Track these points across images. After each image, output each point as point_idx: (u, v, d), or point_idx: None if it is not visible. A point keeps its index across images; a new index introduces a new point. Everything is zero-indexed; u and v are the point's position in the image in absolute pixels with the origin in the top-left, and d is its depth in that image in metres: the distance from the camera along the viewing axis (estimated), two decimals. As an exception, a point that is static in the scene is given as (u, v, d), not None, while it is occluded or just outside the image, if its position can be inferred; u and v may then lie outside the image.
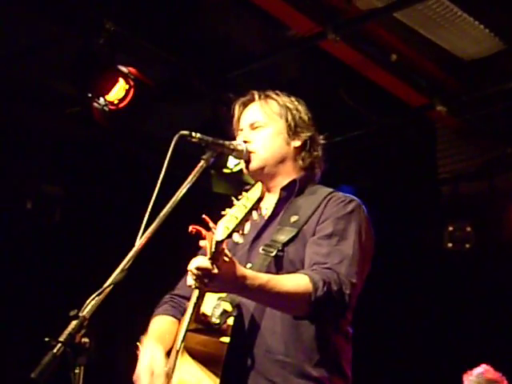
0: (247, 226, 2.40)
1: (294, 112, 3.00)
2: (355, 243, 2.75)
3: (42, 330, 2.17)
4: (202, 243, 2.41)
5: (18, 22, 5.14)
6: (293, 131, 2.97)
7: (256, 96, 3.04)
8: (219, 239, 2.32)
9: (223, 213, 2.42)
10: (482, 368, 5.14)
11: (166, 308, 2.98)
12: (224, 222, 2.36)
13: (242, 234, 2.40)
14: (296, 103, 3.04)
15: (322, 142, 3.05)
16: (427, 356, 7.25)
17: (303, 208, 2.86)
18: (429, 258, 7.21)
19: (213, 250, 2.32)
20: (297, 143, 2.98)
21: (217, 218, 2.42)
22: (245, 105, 3.05)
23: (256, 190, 2.44)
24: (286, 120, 2.97)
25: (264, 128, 2.96)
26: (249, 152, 2.90)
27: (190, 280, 2.42)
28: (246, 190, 2.49)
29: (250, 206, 2.39)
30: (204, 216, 2.40)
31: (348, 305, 2.63)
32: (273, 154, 2.94)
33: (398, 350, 7.19)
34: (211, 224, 2.38)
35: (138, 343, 2.78)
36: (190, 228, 2.39)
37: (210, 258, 2.34)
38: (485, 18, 5.25)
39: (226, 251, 2.37)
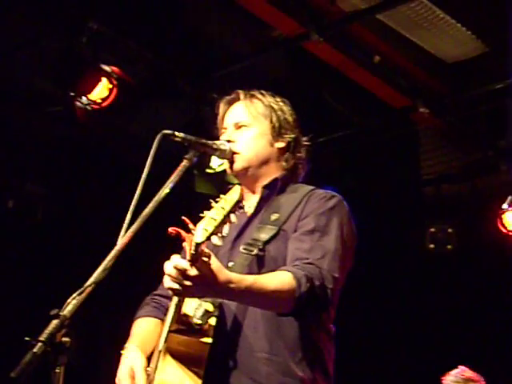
0: (225, 229, 2.39)
1: (279, 113, 3.00)
2: (337, 238, 2.76)
3: (23, 330, 2.16)
4: (183, 244, 2.39)
5: (0, 21, 5.11)
6: (277, 132, 2.97)
7: (241, 95, 3.03)
8: (198, 241, 2.31)
9: (202, 215, 2.41)
10: (459, 368, 5.21)
11: (148, 309, 2.98)
12: (203, 225, 2.36)
13: (221, 236, 2.39)
14: (281, 104, 3.04)
15: (306, 143, 3.05)
16: (407, 357, 7.27)
17: (284, 206, 2.86)
18: (410, 259, 7.24)
19: (192, 251, 2.32)
20: (280, 144, 2.98)
21: (199, 218, 2.41)
22: (229, 103, 3.05)
23: (234, 193, 2.45)
24: (271, 121, 2.97)
25: (248, 128, 2.96)
26: (233, 152, 2.90)
27: (167, 282, 2.39)
28: (225, 193, 2.49)
29: (228, 208, 2.39)
30: (183, 217, 2.39)
31: (331, 299, 2.64)
32: (257, 155, 2.93)
33: (378, 349, 7.21)
34: (191, 226, 2.37)
35: (121, 351, 2.78)
36: (170, 230, 2.38)
37: (189, 260, 2.33)
38: (467, 21, 5.28)
39: (206, 251, 2.35)
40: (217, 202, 2.44)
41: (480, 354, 6.22)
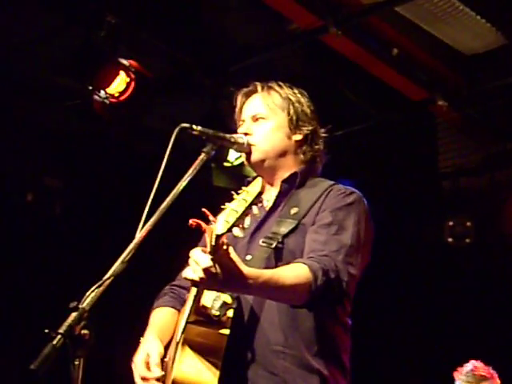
0: (247, 221, 2.39)
1: (297, 105, 2.99)
2: (354, 234, 2.75)
3: (43, 322, 2.17)
4: (205, 235, 2.39)
5: (18, 15, 5.14)
6: (294, 125, 2.96)
7: (259, 87, 3.02)
8: (219, 233, 2.32)
9: (223, 207, 2.42)
10: (471, 365, 5.09)
11: (166, 299, 2.98)
12: (224, 216, 2.36)
13: (243, 227, 2.39)
14: (299, 96, 3.02)
15: (324, 135, 3.04)
16: (426, 350, 7.25)
17: (303, 200, 2.86)
18: (429, 253, 7.22)
19: (213, 243, 2.32)
20: (298, 137, 2.97)
21: (217, 211, 2.41)
22: (247, 96, 3.04)
23: (256, 185, 2.44)
24: (288, 113, 2.96)
25: (266, 121, 2.95)
26: (250, 144, 2.89)
27: (188, 273, 2.40)
28: (246, 185, 2.49)
29: (250, 200, 2.39)
30: (204, 209, 2.39)
31: (345, 292, 2.64)
32: (273, 148, 2.93)
33: (397, 343, 7.20)
34: (211, 217, 2.37)
35: (139, 340, 2.79)
36: (190, 221, 2.39)
37: (209, 252, 2.34)
38: (486, 13, 5.24)
39: (227, 245, 2.36)
40: (238, 193, 2.44)
41: (497, 348, 6.19)
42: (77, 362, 2.10)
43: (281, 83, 3.04)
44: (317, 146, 3.00)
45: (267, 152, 2.92)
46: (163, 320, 2.89)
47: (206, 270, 2.33)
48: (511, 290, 6.83)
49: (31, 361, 2.02)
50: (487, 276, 6.99)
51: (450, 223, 6.93)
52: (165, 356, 2.71)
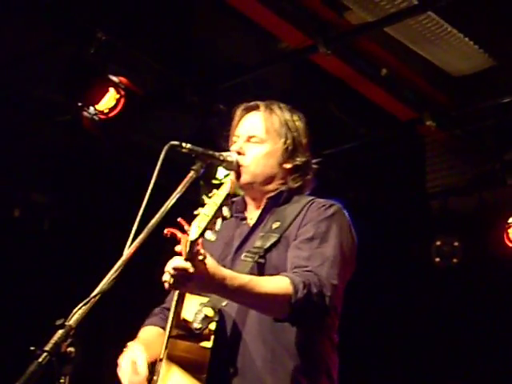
0: (219, 223, 2.42)
1: (295, 134, 2.97)
2: (336, 245, 2.76)
3: (29, 339, 2.16)
4: (177, 248, 2.43)
5: (8, 30, 5.14)
6: (288, 155, 2.95)
7: (262, 107, 3.00)
8: (192, 239, 2.34)
9: (196, 213, 2.44)
10: None
11: (155, 320, 2.99)
12: (197, 222, 2.39)
13: (214, 230, 2.42)
14: (297, 123, 3.01)
15: (315, 166, 3.04)
16: (411, 370, 7.24)
17: (286, 215, 2.87)
18: (416, 273, 7.22)
19: (187, 250, 2.34)
20: (289, 166, 2.96)
21: (192, 219, 2.45)
22: (247, 111, 3.03)
23: (224, 187, 2.48)
24: (285, 142, 2.95)
25: (260, 144, 2.94)
26: (240, 165, 2.89)
27: (165, 277, 2.42)
28: (217, 189, 2.52)
29: (219, 202, 2.43)
30: (179, 219, 2.42)
31: (329, 306, 2.64)
32: (263, 172, 2.93)
33: (382, 363, 7.19)
34: (186, 227, 2.40)
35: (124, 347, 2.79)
36: (166, 231, 2.41)
37: (185, 259, 2.36)
38: (474, 35, 5.28)
39: (202, 250, 2.39)
40: (210, 197, 2.47)
41: (485, 369, 6.20)
42: (62, 381, 2.09)
43: (282, 105, 3.03)
44: (307, 177, 3.00)
45: (256, 176, 2.92)
46: (150, 336, 2.90)
47: (180, 270, 2.36)
48: (499, 310, 6.84)
49: (17, 378, 2.00)
50: (474, 296, 6.99)
51: (438, 243, 6.94)
52: (153, 373, 2.70)
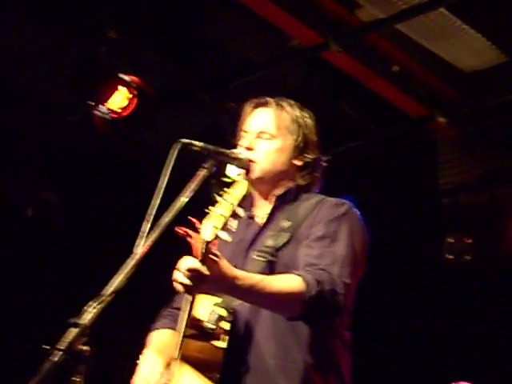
0: (234, 224, 2.41)
1: (305, 131, 2.98)
2: (347, 245, 2.76)
3: (42, 338, 2.17)
4: (191, 241, 2.40)
5: (19, 30, 5.15)
6: (299, 151, 2.96)
7: (273, 103, 3.00)
8: (208, 239, 2.33)
9: (207, 211, 2.42)
10: None
11: (164, 322, 2.97)
12: (210, 221, 2.37)
13: (231, 231, 2.41)
14: (307, 120, 3.01)
15: (324, 164, 3.04)
16: (425, 367, 7.23)
17: (296, 214, 2.87)
18: (428, 270, 7.20)
19: (203, 250, 2.33)
20: (299, 163, 2.97)
21: (202, 216, 2.43)
22: (256, 107, 3.02)
23: (241, 187, 2.46)
24: (296, 139, 2.95)
25: (271, 140, 2.94)
26: (250, 160, 2.89)
27: (179, 277, 2.40)
28: (228, 187, 2.50)
29: (235, 203, 2.40)
30: (190, 218, 2.41)
31: (342, 305, 2.63)
32: (274, 169, 2.92)
33: (395, 359, 7.17)
34: (198, 225, 2.38)
35: (138, 360, 2.78)
36: (177, 229, 2.40)
37: (200, 260, 2.34)
38: (486, 30, 5.26)
39: (216, 251, 2.38)
40: (221, 196, 2.45)
41: (497, 366, 6.17)
42: (76, 379, 2.10)
43: (291, 102, 3.03)
44: (316, 174, 3.00)
45: (267, 172, 2.91)
46: (162, 340, 2.88)
47: (195, 271, 2.34)
48: (510, 307, 6.82)
49: (31, 377, 2.01)
50: (487, 293, 6.97)
51: (450, 240, 6.92)
52: (167, 372, 2.69)
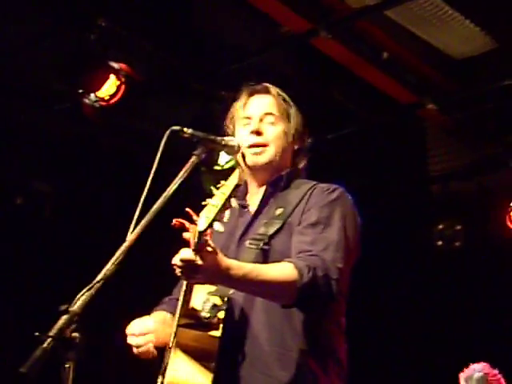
0: (227, 214, 2.43)
1: (300, 116, 3.02)
2: (340, 229, 2.76)
3: (32, 325, 2.17)
4: (185, 235, 2.43)
5: (8, 18, 5.13)
6: (298, 135, 2.99)
7: (271, 89, 3.02)
8: (201, 229, 2.34)
9: (204, 203, 2.44)
10: (481, 371, 4.94)
11: (165, 307, 2.99)
12: (205, 213, 2.39)
13: (223, 221, 2.42)
14: (295, 107, 3.05)
15: (309, 143, 3.07)
16: (416, 355, 7.27)
17: (288, 200, 2.88)
18: (418, 256, 7.23)
19: (196, 240, 2.35)
20: (296, 146, 3.00)
21: (200, 209, 2.45)
22: (255, 93, 3.02)
23: (233, 177, 2.48)
24: (296, 123, 2.99)
25: (276, 125, 2.95)
26: (262, 144, 2.89)
27: (176, 272, 2.44)
28: (226, 179, 2.52)
29: (228, 193, 2.42)
30: (187, 209, 2.42)
31: (336, 290, 2.63)
32: (282, 152, 2.94)
33: (386, 348, 7.21)
34: (194, 217, 2.40)
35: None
36: (174, 221, 2.41)
37: (193, 250, 2.36)
38: (476, 17, 5.27)
39: (209, 241, 2.39)
40: (218, 188, 2.47)
41: (489, 351, 6.20)
42: (67, 365, 2.10)
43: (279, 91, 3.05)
44: (307, 156, 3.03)
45: (277, 155, 2.93)
46: (161, 317, 2.89)
47: (188, 261, 2.35)
48: (501, 293, 6.86)
49: (21, 364, 2.01)
50: (477, 279, 7.01)
51: (440, 226, 6.95)
52: (162, 361, 2.70)
